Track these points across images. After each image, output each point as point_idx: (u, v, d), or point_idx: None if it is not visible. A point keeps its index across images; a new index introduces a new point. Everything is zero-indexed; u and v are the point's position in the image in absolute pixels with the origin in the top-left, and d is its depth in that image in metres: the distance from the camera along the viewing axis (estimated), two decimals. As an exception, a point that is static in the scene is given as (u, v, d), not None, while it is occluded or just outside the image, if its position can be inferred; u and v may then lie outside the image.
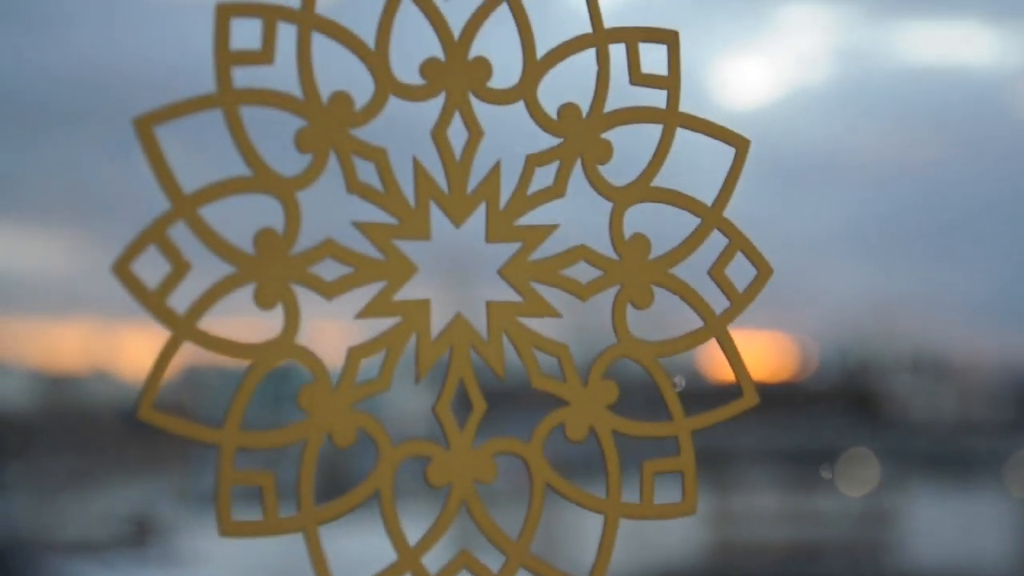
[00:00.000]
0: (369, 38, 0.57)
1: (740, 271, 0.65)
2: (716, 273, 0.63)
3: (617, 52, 0.62)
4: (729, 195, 0.63)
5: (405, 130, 0.60)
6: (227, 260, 0.53)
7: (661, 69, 0.63)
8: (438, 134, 0.58)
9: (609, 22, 0.62)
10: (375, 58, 0.57)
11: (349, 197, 0.57)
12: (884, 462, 6.39)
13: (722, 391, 0.65)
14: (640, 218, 0.63)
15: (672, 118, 0.63)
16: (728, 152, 0.64)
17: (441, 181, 0.58)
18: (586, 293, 0.60)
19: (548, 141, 0.61)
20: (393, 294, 0.56)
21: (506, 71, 0.60)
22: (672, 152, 0.64)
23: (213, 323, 0.53)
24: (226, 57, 0.53)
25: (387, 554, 0.57)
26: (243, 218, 0.55)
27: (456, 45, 0.58)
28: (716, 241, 0.64)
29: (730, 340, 0.62)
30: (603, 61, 0.61)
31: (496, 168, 0.59)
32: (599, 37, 0.61)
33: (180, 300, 0.52)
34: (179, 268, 0.52)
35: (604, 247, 0.62)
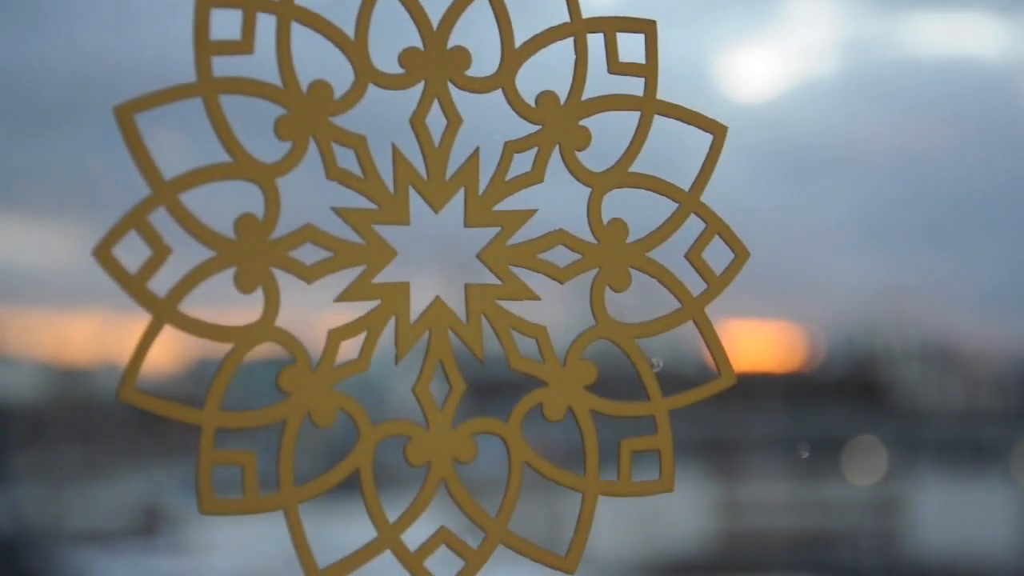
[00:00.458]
0: (348, 27, 0.58)
1: (718, 256, 0.66)
2: (693, 257, 0.64)
3: (596, 42, 0.63)
4: (706, 180, 0.65)
5: (384, 118, 0.61)
6: (208, 245, 0.54)
7: (640, 59, 0.64)
8: (417, 122, 0.59)
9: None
10: (354, 47, 0.58)
11: (329, 184, 0.58)
12: (892, 451, 6.40)
13: (705, 377, 0.66)
14: (619, 205, 0.64)
15: (649, 105, 0.64)
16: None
17: (420, 168, 0.59)
18: (564, 276, 0.62)
19: (526, 129, 0.62)
20: (372, 278, 0.58)
21: (484, 60, 0.62)
22: (657, 142, 0.65)
23: (194, 313, 0.55)
24: (206, 46, 0.54)
25: (368, 538, 0.58)
26: (223, 205, 0.56)
27: (435, 34, 0.59)
28: (693, 226, 0.65)
29: (707, 321, 0.64)
30: (581, 50, 0.62)
31: (475, 154, 0.60)
32: (577, 26, 0.62)
33: (161, 286, 0.54)
34: (159, 252, 0.53)
35: (583, 233, 0.63)
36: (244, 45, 0.55)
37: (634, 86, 0.65)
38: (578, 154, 0.62)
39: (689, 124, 0.64)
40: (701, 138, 0.65)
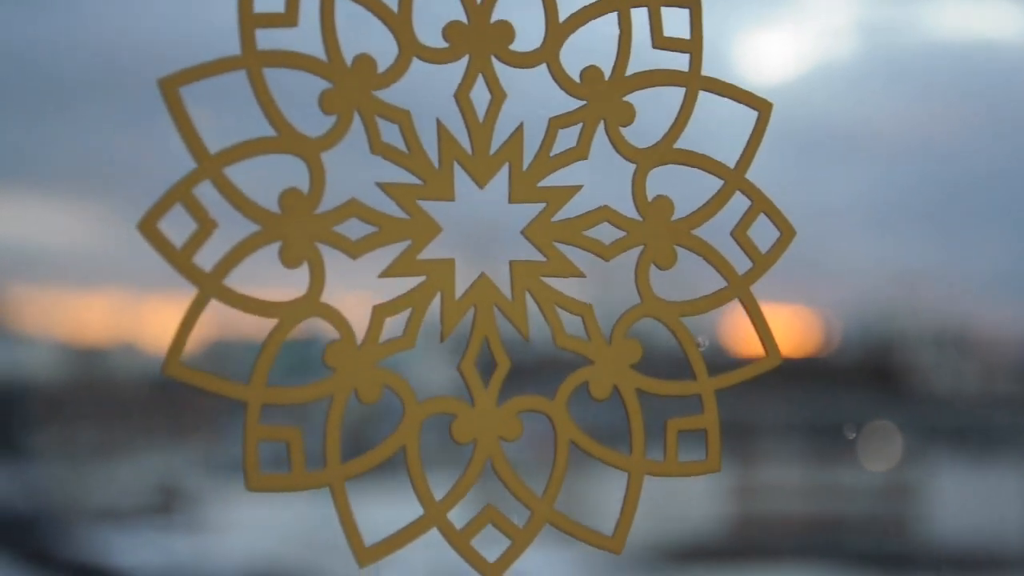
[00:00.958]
0: (392, 1, 0.57)
1: (763, 234, 0.65)
2: (739, 234, 0.63)
3: (640, 17, 0.62)
4: (751, 157, 0.64)
5: (428, 93, 0.60)
6: (253, 219, 0.53)
7: (684, 34, 0.63)
8: (461, 96, 0.58)
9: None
10: (398, 21, 0.57)
11: (373, 159, 0.57)
12: (907, 436, 6.38)
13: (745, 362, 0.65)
14: (663, 181, 0.63)
15: (695, 81, 0.63)
16: (748, 119, 0.64)
17: (464, 143, 0.58)
18: (609, 253, 0.61)
19: (570, 104, 0.61)
20: (417, 254, 0.57)
21: (528, 35, 0.61)
22: (694, 118, 0.64)
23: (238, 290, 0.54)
24: (250, 19, 0.54)
25: (413, 517, 0.57)
26: (268, 179, 0.56)
27: (479, 8, 0.59)
28: (739, 203, 0.64)
29: (753, 300, 0.63)
30: (625, 24, 0.61)
31: (519, 130, 0.60)
32: (622, 0, 0.62)
33: (206, 262, 0.53)
34: (205, 226, 0.52)
35: (627, 209, 0.62)
36: (288, 17, 0.54)
37: (668, 62, 0.64)
38: (622, 130, 0.61)
39: (735, 100, 0.64)
40: (729, 115, 0.64)
